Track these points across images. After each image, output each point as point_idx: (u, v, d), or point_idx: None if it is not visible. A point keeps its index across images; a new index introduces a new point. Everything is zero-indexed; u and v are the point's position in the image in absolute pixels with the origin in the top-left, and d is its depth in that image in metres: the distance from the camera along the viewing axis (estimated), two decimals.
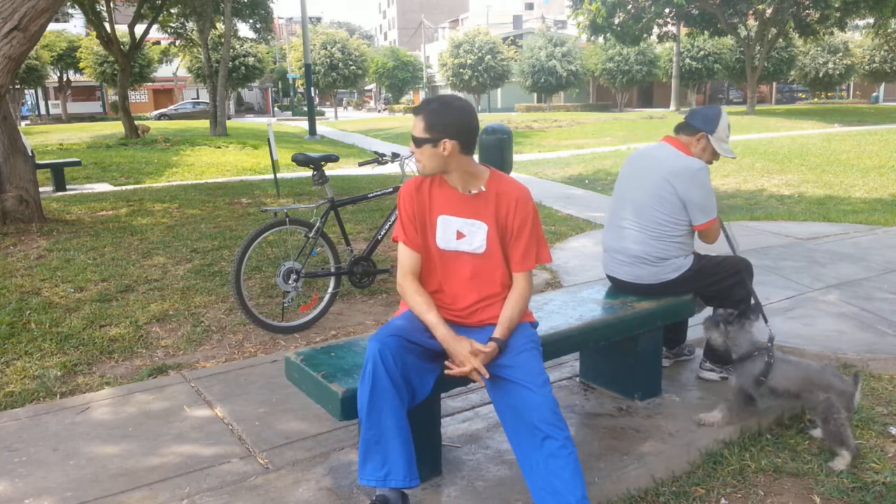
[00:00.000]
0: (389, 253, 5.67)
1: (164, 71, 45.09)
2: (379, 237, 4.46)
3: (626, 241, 3.05)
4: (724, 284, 3.07)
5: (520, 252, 2.33)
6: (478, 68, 46.40)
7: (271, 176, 9.84)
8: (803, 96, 51.70)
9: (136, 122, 20.87)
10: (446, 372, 2.18)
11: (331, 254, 4.29)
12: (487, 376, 2.16)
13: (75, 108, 47.73)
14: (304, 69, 25.51)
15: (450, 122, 2.24)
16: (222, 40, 22.25)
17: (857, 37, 41.80)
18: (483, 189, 2.33)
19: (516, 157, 12.98)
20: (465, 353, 2.15)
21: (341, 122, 38.93)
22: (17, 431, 2.86)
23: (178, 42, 25.34)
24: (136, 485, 2.45)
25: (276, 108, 59.95)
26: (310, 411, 2.96)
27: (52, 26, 28.00)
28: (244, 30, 43.65)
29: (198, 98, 47.80)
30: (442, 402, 2.58)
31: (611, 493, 2.36)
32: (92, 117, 43.76)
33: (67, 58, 40.26)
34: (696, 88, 45.84)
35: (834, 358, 3.52)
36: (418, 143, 2.26)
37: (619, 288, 3.15)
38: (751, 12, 28.92)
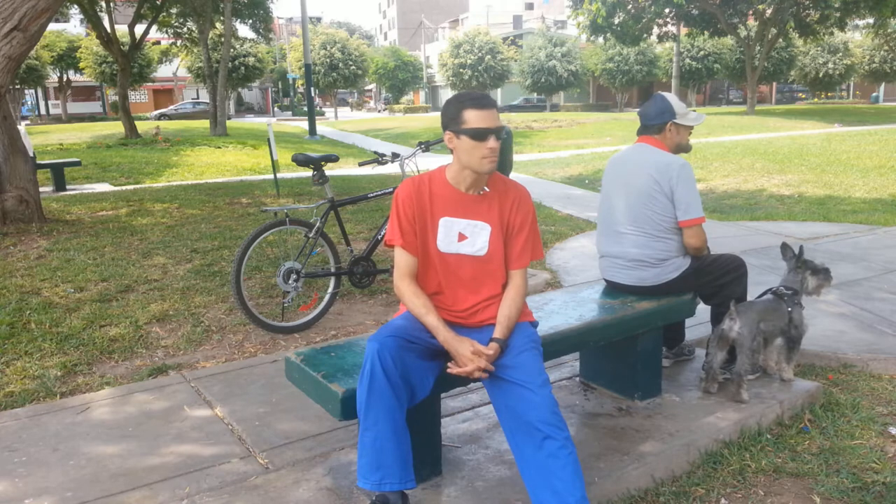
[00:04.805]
0: (389, 253, 5.67)
1: (164, 71, 45.12)
2: (379, 237, 4.46)
3: (625, 245, 3.05)
4: (722, 281, 3.08)
5: (518, 249, 2.34)
6: (478, 68, 46.41)
7: (271, 176, 9.84)
8: (803, 96, 51.73)
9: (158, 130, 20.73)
10: (448, 370, 2.18)
11: (331, 254, 4.29)
12: (489, 373, 2.16)
13: (75, 108, 47.73)
14: (304, 69, 25.51)
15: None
16: (222, 40, 22.26)
17: (857, 37, 41.81)
18: (486, 190, 2.33)
19: (516, 157, 12.99)
20: (467, 355, 2.14)
21: (341, 122, 38.93)
22: (17, 431, 2.86)
23: (178, 42, 25.34)
24: (136, 485, 2.45)
25: (276, 108, 59.94)
26: (310, 411, 2.96)
27: (52, 26, 27.99)
28: (244, 30, 43.69)
29: (198, 98, 47.80)
30: (442, 402, 2.58)
31: (611, 493, 2.36)
32: (92, 117, 43.78)
33: (67, 58, 40.27)
34: (696, 88, 45.88)
35: (834, 358, 3.52)
36: (501, 134, 2.22)
37: (619, 290, 3.15)
38: (751, 12, 28.93)
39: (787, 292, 3.09)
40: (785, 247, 3.22)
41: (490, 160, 2.21)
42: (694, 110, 3.19)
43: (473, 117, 2.19)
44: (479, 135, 2.18)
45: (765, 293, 3.18)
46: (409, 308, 2.30)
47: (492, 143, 2.19)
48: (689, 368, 3.36)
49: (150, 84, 44.72)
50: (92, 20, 18.35)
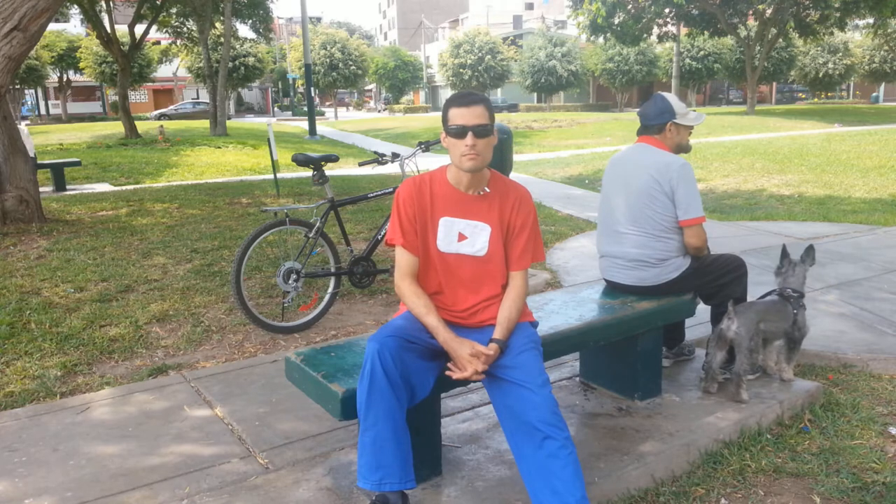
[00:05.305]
0: (389, 253, 5.67)
1: (164, 71, 45.11)
2: (379, 237, 4.47)
3: (625, 245, 3.05)
4: (722, 281, 3.09)
5: (518, 251, 2.34)
6: (478, 68, 46.42)
7: (271, 176, 9.84)
8: (803, 96, 51.74)
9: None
10: (447, 373, 2.18)
11: (331, 254, 4.29)
12: (489, 373, 2.17)
13: (75, 108, 47.72)
14: (304, 69, 25.51)
15: (494, 112, 2.26)
16: (222, 40, 22.25)
17: (857, 37, 41.81)
18: (487, 190, 2.33)
19: (516, 157, 12.99)
20: (466, 357, 2.14)
21: (341, 122, 38.93)
22: (17, 431, 2.86)
23: (178, 42, 25.34)
24: (136, 485, 2.45)
25: (276, 108, 59.95)
26: (310, 411, 2.96)
27: (52, 26, 27.98)
28: (244, 30, 43.66)
29: (198, 98, 47.79)
30: (442, 402, 2.58)
31: (611, 493, 2.36)
32: (92, 117, 43.78)
33: (67, 58, 40.27)
34: (696, 88, 45.87)
35: (834, 358, 3.52)
36: (483, 131, 2.18)
37: (619, 290, 3.15)
38: (751, 12, 28.92)
39: (793, 294, 3.09)
40: (784, 252, 3.18)
41: (469, 157, 2.19)
42: (694, 110, 3.19)
43: (455, 115, 2.20)
44: (456, 132, 2.19)
45: (769, 294, 3.18)
46: (409, 308, 2.30)
47: (469, 140, 2.17)
48: (689, 368, 3.36)
49: (150, 84, 44.72)
50: (92, 20, 18.36)
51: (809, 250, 3.15)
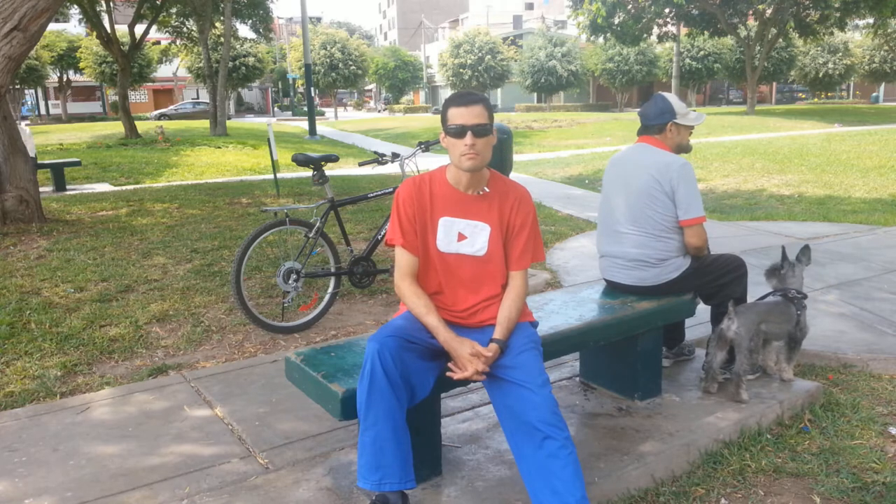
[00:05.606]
0: (389, 253, 5.67)
1: (164, 71, 45.12)
2: (379, 237, 4.47)
3: (625, 245, 3.05)
4: (722, 281, 3.09)
5: (518, 251, 2.34)
6: (478, 68, 46.43)
7: (271, 176, 9.84)
8: (803, 96, 51.75)
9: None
10: (448, 374, 2.18)
11: (331, 254, 4.29)
12: (489, 373, 2.17)
13: (75, 108, 47.72)
14: (304, 69, 25.52)
15: (493, 112, 2.27)
16: (222, 40, 22.26)
17: (857, 37, 41.80)
18: (487, 190, 2.33)
19: (516, 157, 13.00)
20: (467, 357, 2.14)
21: (341, 122, 38.93)
22: (17, 431, 2.86)
23: (178, 42, 25.35)
24: (136, 485, 2.45)
25: (276, 108, 59.95)
26: (310, 411, 2.96)
27: (52, 26, 27.97)
28: (244, 30, 43.66)
29: (198, 98, 47.79)
30: (442, 402, 2.58)
31: (611, 493, 2.36)
32: (92, 117, 43.79)
33: (67, 58, 40.28)
34: (696, 88, 45.86)
35: (834, 358, 3.52)
36: (483, 131, 2.19)
37: (619, 290, 3.15)
38: (751, 12, 28.92)
39: (798, 295, 3.08)
40: (785, 255, 3.19)
41: (468, 157, 2.20)
42: (694, 110, 3.19)
43: (454, 115, 2.21)
44: (456, 132, 2.19)
45: (770, 294, 3.17)
46: (409, 308, 2.30)
47: (468, 139, 2.18)
48: (689, 368, 3.36)
49: (150, 84, 44.73)
50: (92, 20, 18.35)
51: (805, 250, 3.16)
